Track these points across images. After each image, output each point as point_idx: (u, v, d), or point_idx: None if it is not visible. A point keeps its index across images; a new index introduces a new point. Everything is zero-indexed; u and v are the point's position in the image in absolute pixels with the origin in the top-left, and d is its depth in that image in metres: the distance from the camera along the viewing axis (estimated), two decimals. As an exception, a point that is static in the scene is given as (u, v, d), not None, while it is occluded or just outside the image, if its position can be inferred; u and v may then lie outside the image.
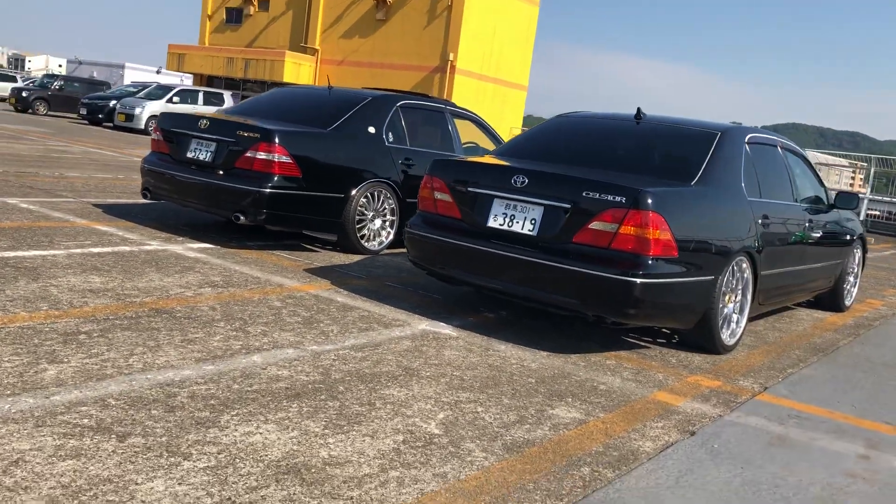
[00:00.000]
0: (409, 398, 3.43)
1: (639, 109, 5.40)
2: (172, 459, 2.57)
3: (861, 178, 25.95)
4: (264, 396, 3.23)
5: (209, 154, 6.42)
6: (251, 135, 6.20)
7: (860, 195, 21.62)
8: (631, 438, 3.29)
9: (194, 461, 2.57)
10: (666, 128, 5.31)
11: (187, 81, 40.29)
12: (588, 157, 5.12)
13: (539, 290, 4.47)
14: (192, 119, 6.64)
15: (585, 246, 4.32)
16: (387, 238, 7.06)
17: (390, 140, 7.06)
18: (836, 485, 3.07)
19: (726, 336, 4.92)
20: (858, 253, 7.22)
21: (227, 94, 25.93)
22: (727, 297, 4.87)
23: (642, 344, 4.97)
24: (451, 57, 35.68)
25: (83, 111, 24.88)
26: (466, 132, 8.34)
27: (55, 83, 28.29)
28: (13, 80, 38.02)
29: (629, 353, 4.69)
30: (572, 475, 2.86)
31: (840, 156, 28.86)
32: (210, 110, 24.44)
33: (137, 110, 23.05)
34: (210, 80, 41.10)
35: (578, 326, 5.20)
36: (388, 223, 7.05)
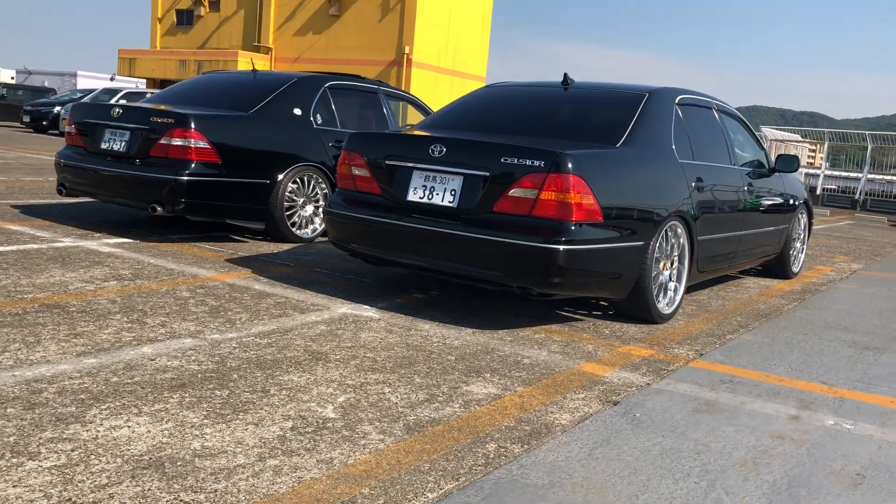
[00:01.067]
0: (309, 383, 3.16)
1: (565, 75, 5.17)
2: (15, 461, 2.27)
3: (821, 155, 26.13)
4: (144, 388, 2.94)
5: (123, 143, 6.09)
6: (165, 120, 5.88)
7: (816, 169, 21.81)
8: (548, 412, 3.05)
9: (41, 461, 2.28)
10: (593, 92, 5.09)
11: (142, 87, 39.55)
12: (512, 125, 4.88)
13: (462, 265, 4.22)
14: (105, 108, 6.29)
15: (506, 215, 4.08)
16: (320, 225, 6.77)
17: (319, 122, 6.77)
18: (762, 447, 2.85)
19: (663, 305, 4.71)
20: (804, 218, 7.08)
21: (176, 96, 25.37)
22: (661, 264, 4.66)
23: (576, 317, 4.75)
24: (407, 50, 35.36)
25: (26, 118, 24.21)
26: (404, 114, 8.07)
27: (-2, 91, 27.53)
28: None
29: (561, 327, 4.47)
30: (475, 453, 2.61)
31: (797, 133, 29.07)
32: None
33: (83, 115, 22.43)
34: (163, 84, 40.38)
35: (513, 303, 4.96)
36: (320, 209, 6.76)
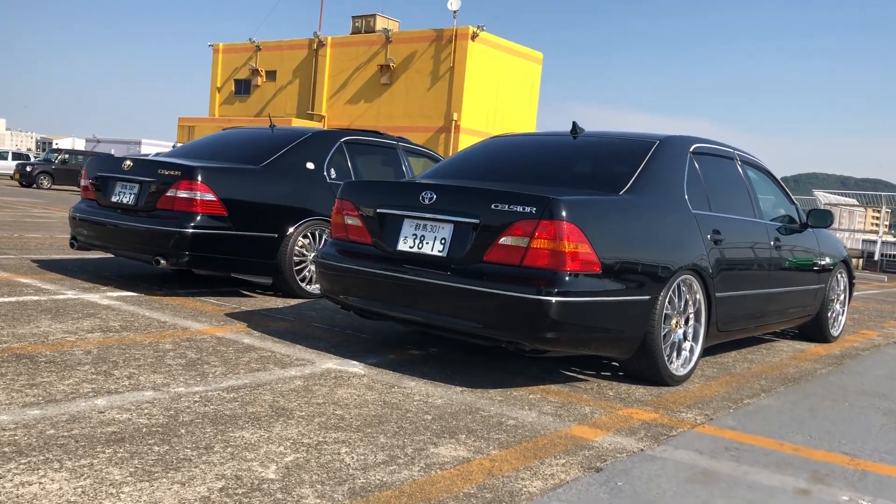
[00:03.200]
0: (260, 440, 2.91)
1: (574, 124, 4.95)
2: None
3: (884, 221, 25.34)
4: (77, 442, 2.72)
5: (132, 196, 6.04)
6: (172, 173, 5.82)
7: (880, 237, 21.01)
8: (518, 478, 2.74)
9: (-76, 517, 2.07)
10: (602, 140, 4.85)
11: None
12: (512, 174, 4.66)
13: (452, 318, 3.96)
14: (117, 161, 6.28)
15: (496, 264, 3.82)
16: (331, 281, 6.58)
17: (333, 177, 6.65)
18: (756, 526, 2.49)
19: (676, 366, 4.35)
20: (843, 278, 6.63)
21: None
22: (673, 322, 4.32)
23: (581, 377, 4.42)
24: (456, 116, 35.74)
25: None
26: (423, 170, 7.93)
27: (58, 157, 28.52)
28: (25, 157, 38.56)
29: (561, 387, 4.14)
30: (418, 523, 2.31)
31: (857, 198, 28.25)
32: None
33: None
34: (219, 151, 41.30)
35: (516, 361, 4.65)
36: (332, 265, 6.58)
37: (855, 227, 23.91)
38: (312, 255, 6.42)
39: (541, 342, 3.76)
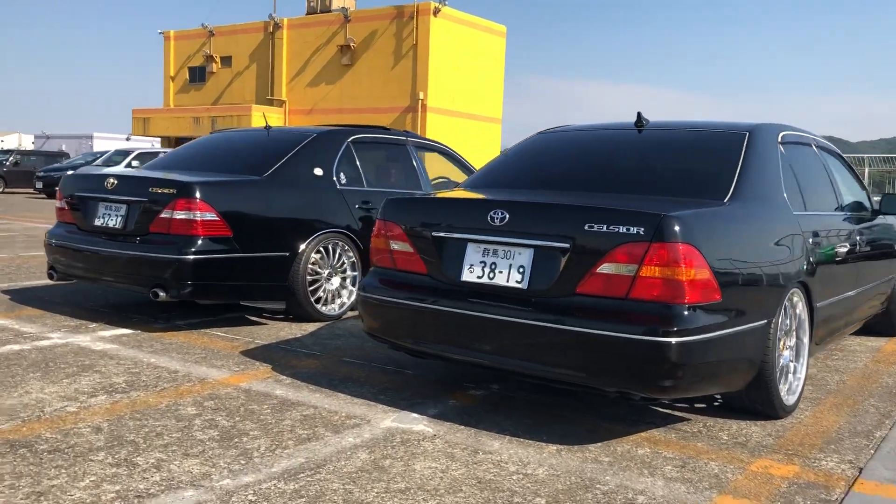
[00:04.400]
0: (356, 566, 2.23)
1: (639, 115, 4.28)
2: None
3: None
4: None
5: (119, 219, 5.25)
6: (166, 191, 5.05)
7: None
8: None
9: None
10: (678, 133, 4.20)
11: (157, 145, 39.34)
12: (583, 180, 3.99)
13: (537, 364, 3.31)
14: (99, 179, 5.48)
15: (594, 297, 3.17)
16: (348, 298, 5.88)
17: (343, 182, 5.93)
18: None
19: (784, 393, 3.75)
20: None
21: (190, 154, 24.81)
22: (782, 343, 3.72)
23: (676, 414, 3.79)
24: (422, 96, 34.83)
25: (39, 185, 23.73)
26: (435, 166, 7.22)
27: (9, 159, 27.17)
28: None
29: (664, 433, 3.51)
30: None
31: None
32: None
33: (96, 178, 21.84)
34: (178, 142, 40.19)
35: (591, 397, 4.02)
36: (348, 280, 5.88)
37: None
38: (327, 272, 5.70)
39: (657, 391, 3.12)
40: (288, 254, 5.41)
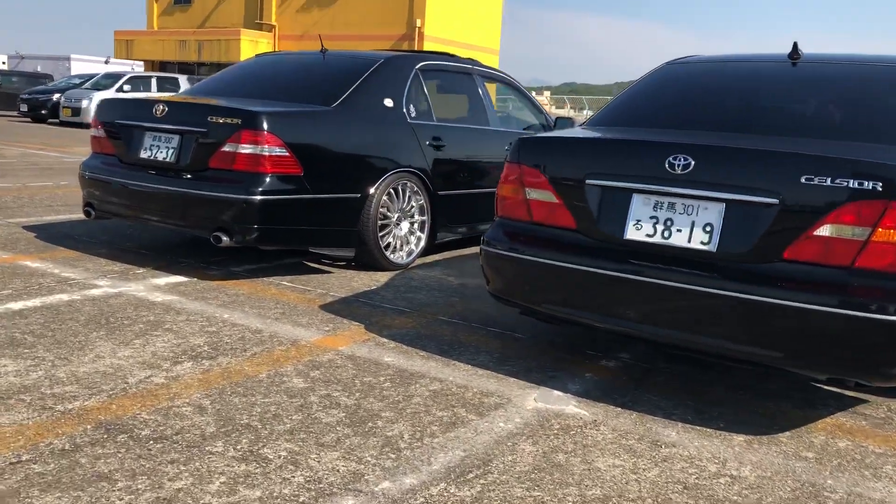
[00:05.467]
0: None
1: (795, 45, 3.69)
2: None
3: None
4: None
5: (171, 151, 4.62)
6: (228, 120, 4.41)
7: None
8: None
9: None
10: (849, 68, 3.62)
11: (139, 69, 37.87)
12: (758, 122, 3.40)
13: (717, 338, 2.80)
14: (145, 105, 4.83)
15: (812, 266, 2.65)
16: (417, 246, 5.33)
17: (413, 115, 5.30)
18: None
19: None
20: None
21: (182, 79, 23.76)
22: None
23: (843, 393, 3.32)
24: (419, 23, 33.59)
25: (24, 108, 22.61)
26: (496, 99, 6.60)
27: (-9, 79, 25.91)
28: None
29: (850, 418, 3.04)
30: None
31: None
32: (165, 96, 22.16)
33: (85, 103, 20.85)
34: (162, 67, 38.74)
35: (735, 370, 3.54)
36: (416, 225, 5.32)
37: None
38: (396, 216, 5.12)
39: (883, 379, 2.63)
40: (359, 195, 4.82)
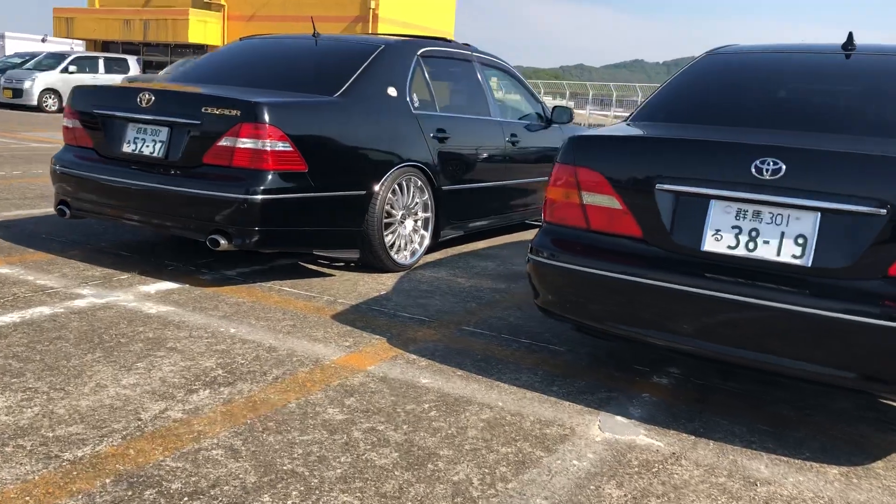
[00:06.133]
0: None
1: (850, 36, 3.44)
2: None
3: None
4: None
5: (159, 145, 4.19)
6: (226, 112, 3.99)
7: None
8: None
9: None
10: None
11: (78, 49, 36.40)
12: (823, 118, 3.14)
13: (804, 361, 2.54)
14: (127, 94, 4.36)
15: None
16: (421, 245, 4.99)
17: (416, 105, 4.94)
18: None
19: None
20: None
21: (132, 60, 22.83)
22: None
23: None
24: (373, 4, 32.93)
25: (-40, 88, 21.43)
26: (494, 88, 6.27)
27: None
28: None
29: (938, 443, 2.82)
30: None
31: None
32: (116, 79, 21.20)
33: (27, 83, 19.84)
34: (105, 47, 37.35)
35: (802, 389, 3.30)
36: (420, 223, 4.97)
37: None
38: (400, 213, 4.77)
39: None
40: (364, 192, 4.45)
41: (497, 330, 3.79)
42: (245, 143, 3.95)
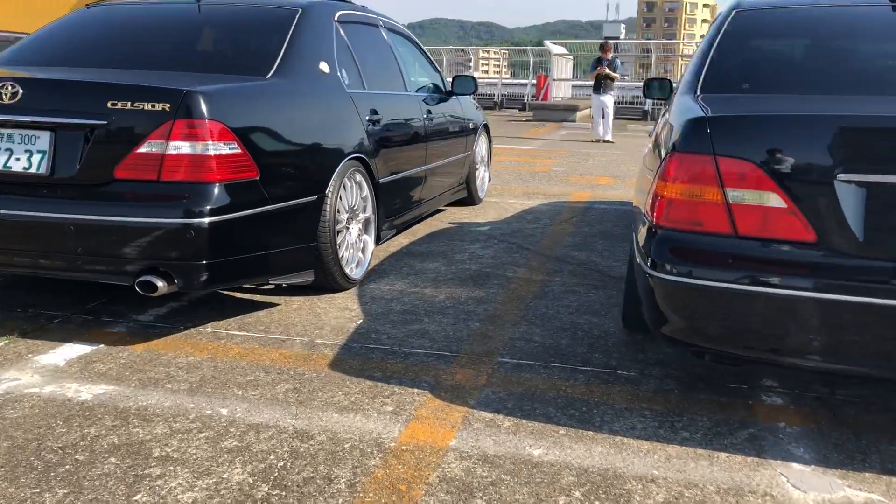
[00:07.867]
0: None
1: None
2: None
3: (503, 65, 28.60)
4: None
5: (39, 158, 2.97)
6: (148, 106, 2.88)
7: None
8: None
9: None
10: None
11: None
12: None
13: None
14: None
15: None
16: (366, 253, 4.12)
17: (347, 83, 4.02)
18: None
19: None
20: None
21: None
22: None
23: None
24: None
25: None
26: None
27: None
28: None
29: None
30: None
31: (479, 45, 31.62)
32: None
33: None
34: None
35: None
36: (362, 226, 4.09)
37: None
38: (346, 217, 3.86)
39: None
40: (315, 197, 3.52)
41: (539, 358, 3.08)
42: (179, 146, 2.88)
